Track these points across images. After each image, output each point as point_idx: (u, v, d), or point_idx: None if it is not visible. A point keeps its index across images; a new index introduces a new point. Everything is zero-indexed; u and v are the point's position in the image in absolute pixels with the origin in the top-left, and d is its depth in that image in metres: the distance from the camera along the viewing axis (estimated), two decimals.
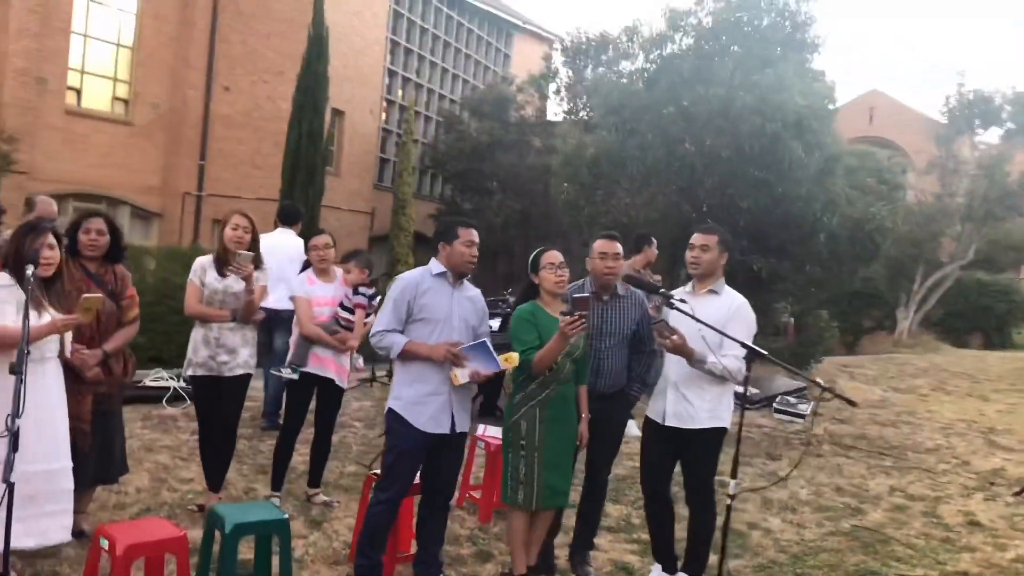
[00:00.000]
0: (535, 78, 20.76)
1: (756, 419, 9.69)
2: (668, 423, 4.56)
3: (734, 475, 4.11)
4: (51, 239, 4.22)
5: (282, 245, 7.78)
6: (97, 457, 4.71)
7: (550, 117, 21.51)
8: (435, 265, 4.44)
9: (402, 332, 4.33)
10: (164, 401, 8.17)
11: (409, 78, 21.07)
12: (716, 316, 4.43)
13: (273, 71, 17.80)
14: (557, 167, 13.01)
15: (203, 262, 5.25)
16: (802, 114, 10.02)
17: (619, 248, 4.76)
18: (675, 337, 4.32)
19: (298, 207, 9.12)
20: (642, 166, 10.84)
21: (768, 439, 8.96)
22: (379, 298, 5.59)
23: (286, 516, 4.18)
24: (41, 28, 15.62)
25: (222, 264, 5.19)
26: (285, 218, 8.29)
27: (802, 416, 9.94)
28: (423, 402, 4.32)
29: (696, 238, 4.62)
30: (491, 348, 4.31)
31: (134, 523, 4.26)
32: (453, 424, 4.39)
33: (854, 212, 11.02)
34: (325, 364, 5.63)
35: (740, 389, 4.42)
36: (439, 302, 4.36)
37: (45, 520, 4.19)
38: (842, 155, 11.00)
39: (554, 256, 4.51)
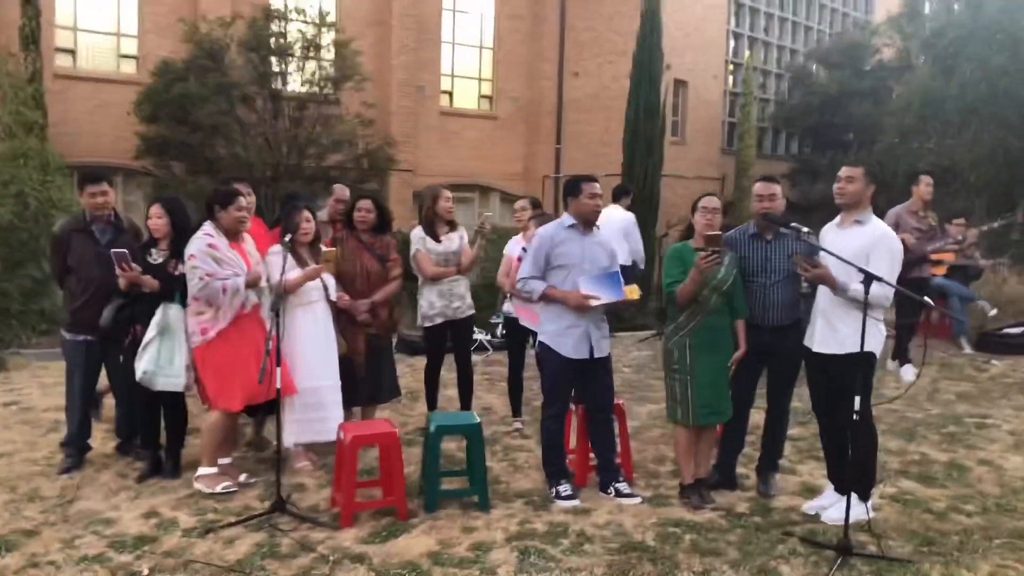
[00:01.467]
0: (895, 18, 19.41)
1: None
2: (816, 349, 4.66)
3: (859, 394, 4.19)
4: (307, 214, 5.45)
5: (612, 218, 9.21)
6: (370, 382, 5.92)
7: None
8: (567, 218, 5.05)
9: (543, 278, 4.97)
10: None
11: (756, 38, 20.85)
12: (860, 245, 4.48)
13: (616, 51, 18.67)
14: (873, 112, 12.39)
15: (418, 234, 6.28)
16: None
17: (774, 189, 4.93)
18: (817, 269, 4.46)
19: (626, 186, 10.76)
20: (961, 104, 10.01)
21: None
22: None
23: (478, 421, 5.01)
24: (417, 42, 18.17)
25: (434, 232, 6.21)
26: (614, 196, 10.12)
27: None
28: (564, 334, 4.96)
29: (843, 171, 4.67)
30: (620, 279, 4.83)
31: (365, 423, 5.37)
32: (592, 350, 4.93)
33: None
34: (519, 312, 6.37)
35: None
36: (572, 250, 4.96)
37: (318, 423, 5.44)
38: None
39: (708, 202, 4.85)
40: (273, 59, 14.95)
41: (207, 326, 4.98)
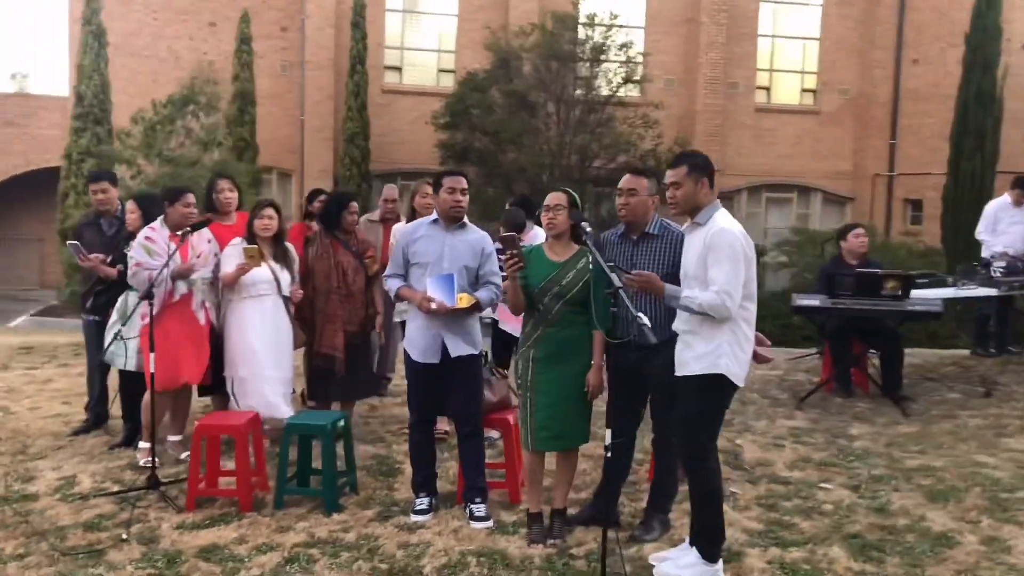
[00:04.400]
0: None
1: None
2: (676, 371, 3.99)
3: (608, 425, 3.62)
4: (270, 211, 5.81)
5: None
6: (343, 378, 5.77)
7: None
8: (434, 214, 4.76)
9: (404, 275, 4.78)
10: None
11: None
12: (699, 250, 3.78)
13: (961, 33, 16.19)
14: None
15: (400, 227, 6.19)
16: None
17: (636, 184, 4.24)
18: (639, 276, 3.84)
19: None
20: None
21: None
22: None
23: (325, 424, 4.97)
24: (728, 38, 17.53)
25: None
26: (1011, 184, 9.05)
27: None
28: (414, 336, 4.69)
29: (667, 175, 3.91)
30: (453, 284, 4.47)
31: (223, 413, 5.42)
32: (446, 352, 4.68)
33: None
34: (501, 315, 5.96)
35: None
36: (428, 247, 4.63)
37: (263, 411, 5.65)
38: None
39: (551, 198, 4.34)
40: (566, 65, 15.45)
41: (144, 311, 5.33)
